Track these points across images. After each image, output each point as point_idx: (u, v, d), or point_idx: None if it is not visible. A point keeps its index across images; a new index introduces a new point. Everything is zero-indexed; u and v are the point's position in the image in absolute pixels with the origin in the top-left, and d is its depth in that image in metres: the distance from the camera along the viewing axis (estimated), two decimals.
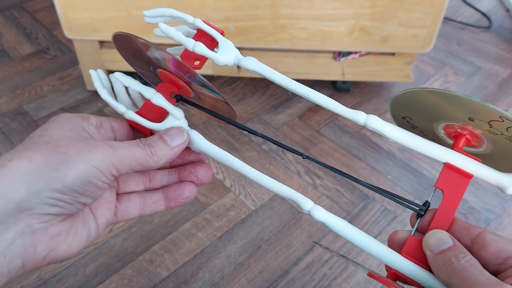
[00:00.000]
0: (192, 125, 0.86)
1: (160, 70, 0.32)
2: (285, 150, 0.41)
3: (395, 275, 0.30)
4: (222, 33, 0.33)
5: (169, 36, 0.32)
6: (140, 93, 0.33)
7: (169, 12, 0.33)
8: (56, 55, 1.03)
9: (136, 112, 0.33)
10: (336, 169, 0.33)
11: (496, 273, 0.27)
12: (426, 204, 0.31)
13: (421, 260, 0.29)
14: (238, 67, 0.87)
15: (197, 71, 0.30)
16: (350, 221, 0.71)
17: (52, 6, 1.16)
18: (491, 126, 0.27)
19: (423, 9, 0.76)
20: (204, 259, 0.66)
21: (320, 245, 0.35)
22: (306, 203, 0.31)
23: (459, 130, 0.30)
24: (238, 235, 0.69)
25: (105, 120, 0.32)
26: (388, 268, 0.30)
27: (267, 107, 0.91)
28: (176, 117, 0.32)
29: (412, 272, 0.29)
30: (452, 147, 0.31)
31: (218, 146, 0.33)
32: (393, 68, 0.88)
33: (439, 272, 0.27)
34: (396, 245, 0.30)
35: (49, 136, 0.28)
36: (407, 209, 0.66)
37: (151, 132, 0.33)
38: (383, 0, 0.75)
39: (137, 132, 0.34)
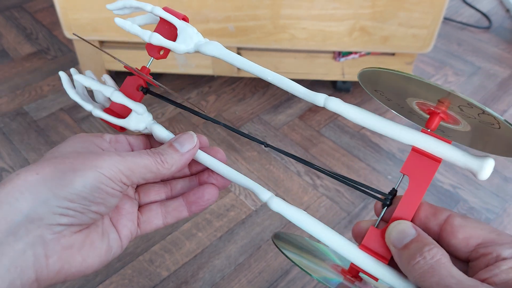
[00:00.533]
0: (192, 124, 0.86)
1: (125, 64, 0.33)
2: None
3: (353, 268, 0.29)
4: (185, 19, 0.32)
5: (126, 30, 0.32)
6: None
7: (129, 3, 0.33)
8: (56, 55, 1.03)
9: (105, 110, 0.33)
10: (296, 156, 0.33)
11: (467, 261, 0.26)
12: (393, 192, 0.29)
13: (381, 252, 0.27)
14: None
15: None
16: (350, 221, 0.71)
17: (52, 6, 1.16)
18: (461, 110, 0.26)
19: (423, 9, 0.76)
20: (205, 259, 0.66)
21: (275, 240, 0.34)
22: (264, 194, 0.31)
23: (432, 109, 0.28)
24: (238, 235, 0.69)
25: (121, 136, 0.33)
26: None
27: (267, 107, 0.91)
28: (138, 112, 0.33)
29: (368, 265, 0.27)
30: (425, 125, 0.29)
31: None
32: (393, 68, 0.88)
33: (407, 272, 0.25)
34: (360, 237, 0.29)
35: (59, 152, 0.29)
36: None
37: (121, 128, 0.34)
38: (383, 0, 0.75)
39: (155, 146, 0.34)
